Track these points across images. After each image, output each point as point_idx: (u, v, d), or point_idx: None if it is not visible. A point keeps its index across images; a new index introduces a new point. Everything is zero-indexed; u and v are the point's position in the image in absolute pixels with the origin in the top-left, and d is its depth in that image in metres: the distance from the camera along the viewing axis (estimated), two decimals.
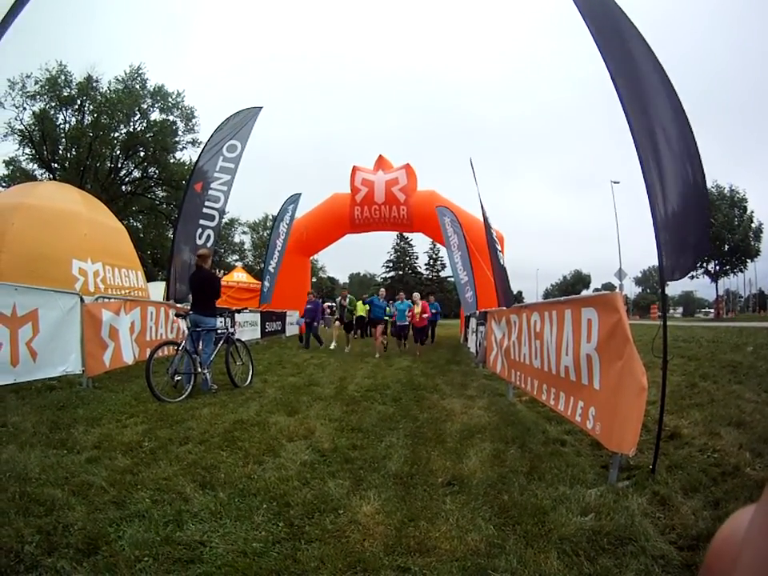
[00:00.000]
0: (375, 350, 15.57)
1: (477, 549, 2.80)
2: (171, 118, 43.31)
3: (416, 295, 16.60)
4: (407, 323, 16.43)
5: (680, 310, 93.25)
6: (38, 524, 3.05)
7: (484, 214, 10.95)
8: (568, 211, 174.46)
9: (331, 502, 3.49)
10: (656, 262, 4.18)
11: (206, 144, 12.95)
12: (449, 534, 2.97)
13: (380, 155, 23.44)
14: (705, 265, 55.32)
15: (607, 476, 3.97)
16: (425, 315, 16.08)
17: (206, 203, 12.36)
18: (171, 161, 44.60)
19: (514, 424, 5.86)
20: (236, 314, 11.97)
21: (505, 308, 9.04)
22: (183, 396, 7.37)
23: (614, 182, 42.49)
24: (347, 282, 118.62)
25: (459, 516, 3.24)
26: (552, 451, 4.73)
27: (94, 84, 39.62)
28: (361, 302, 18.30)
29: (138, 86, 41.49)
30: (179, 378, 7.70)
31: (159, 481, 3.85)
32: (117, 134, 41.96)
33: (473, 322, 15.01)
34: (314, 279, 39.68)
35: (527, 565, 2.63)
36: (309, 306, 18.13)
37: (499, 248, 10.99)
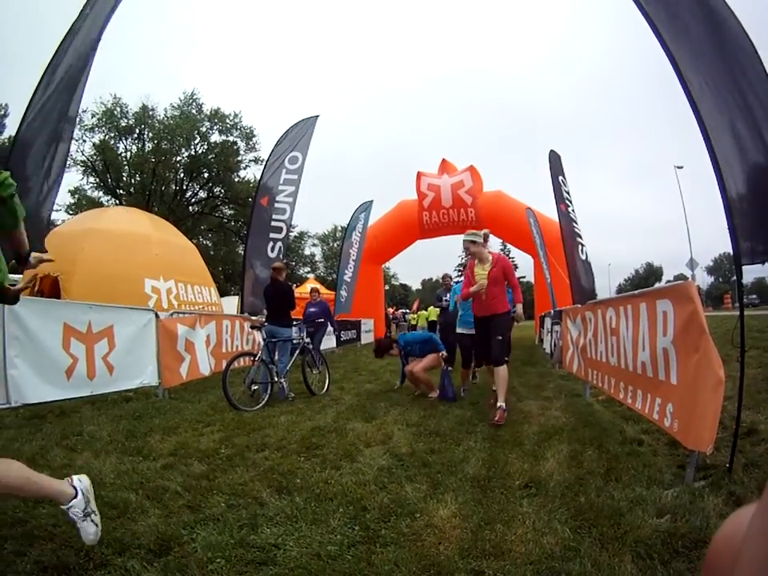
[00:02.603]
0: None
1: (552, 552, 2.75)
2: (231, 138, 44.43)
3: (480, 236, 7.03)
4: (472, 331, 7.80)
5: (754, 297, 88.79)
6: (110, 525, 3.16)
7: (564, 207, 10.75)
8: (634, 201, 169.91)
9: (408, 505, 3.49)
10: (728, 249, 4.01)
11: (267, 159, 13.24)
12: (524, 537, 2.93)
13: (443, 159, 23.42)
14: None
15: (684, 476, 3.83)
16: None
17: (274, 216, 12.62)
18: (236, 180, 45.81)
19: (591, 424, 5.74)
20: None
21: (579, 305, 8.87)
22: (260, 405, 7.54)
23: (678, 167, 41.01)
24: (420, 288, 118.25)
25: (536, 519, 3.18)
26: (629, 451, 4.60)
27: (150, 113, 41.28)
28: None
29: (194, 111, 42.79)
30: (256, 387, 7.89)
31: (235, 486, 3.95)
32: (179, 158, 43.49)
33: (548, 322, 14.77)
34: (387, 287, 39.95)
35: (601, 568, 2.56)
36: (311, 309, 13.21)
37: (582, 241, 10.80)
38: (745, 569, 0.53)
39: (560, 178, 11.19)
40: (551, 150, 11.75)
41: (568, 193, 11.33)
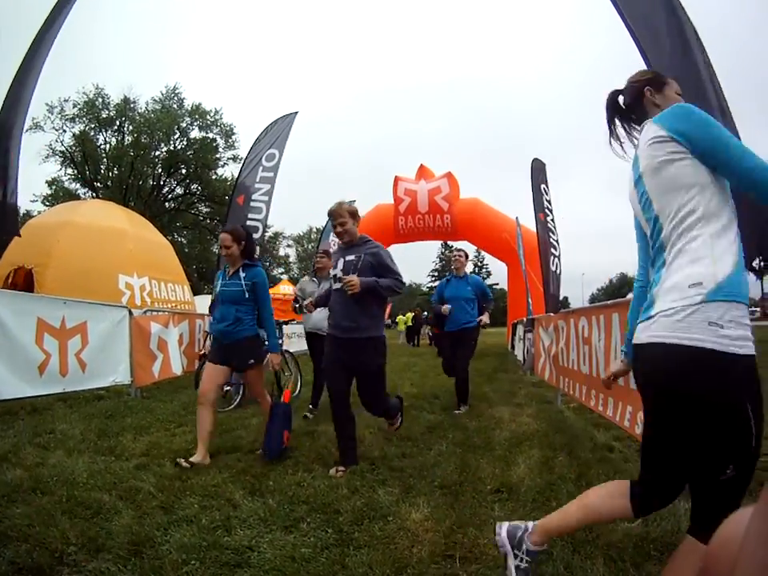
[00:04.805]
0: None
1: None
2: (211, 135, 44.28)
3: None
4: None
5: None
6: (83, 526, 3.15)
7: (543, 217, 10.82)
8: (610, 212, 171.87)
9: (380, 509, 3.51)
10: None
11: (246, 157, 13.11)
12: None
13: (421, 164, 23.42)
14: (751, 261, 52.20)
15: None
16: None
17: (249, 215, 12.48)
18: (213, 177, 45.57)
19: (562, 431, 5.81)
20: (284, 326, 12.05)
21: (552, 314, 8.97)
22: (232, 406, 7.51)
23: None
24: None
25: None
26: (600, 458, 4.68)
27: (132, 105, 41.12)
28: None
29: (175, 106, 42.66)
30: (228, 388, 7.84)
31: (208, 487, 3.94)
32: (158, 153, 43.37)
33: (520, 329, 14.91)
34: None
35: (574, 571, 2.61)
36: None
37: (556, 252, 10.89)
38: (744, 571, 0.55)
39: (542, 186, 11.26)
40: (535, 159, 11.76)
41: (549, 202, 11.41)
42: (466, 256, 7.90)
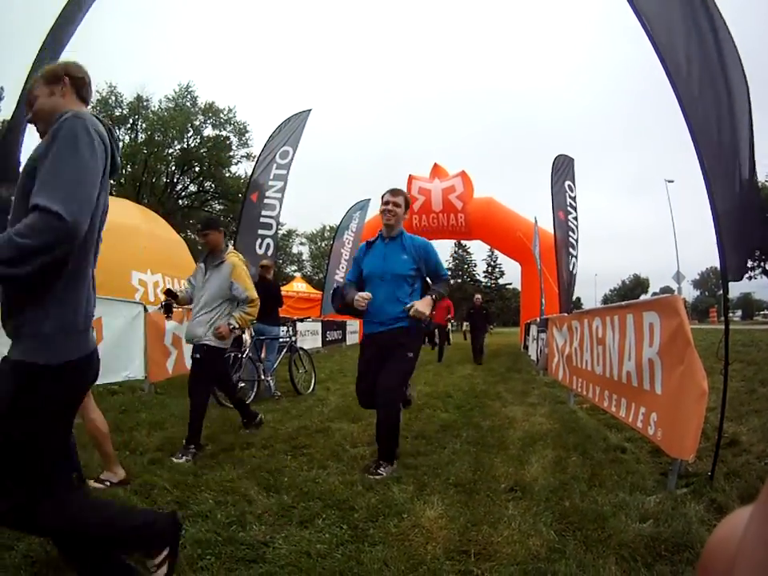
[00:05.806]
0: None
1: (537, 553, 2.80)
2: (224, 133, 44.31)
3: None
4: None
5: (738, 312, 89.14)
6: None
7: (563, 216, 10.72)
8: (624, 213, 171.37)
9: (395, 506, 3.52)
10: (714, 263, 4.09)
11: (260, 154, 13.04)
12: (510, 539, 2.97)
13: (435, 163, 23.35)
14: (763, 264, 51.70)
15: (666, 483, 3.91)
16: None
17: (263, 212, 12.44)
18: (227, 175, 45.53)
19: (575, 431, 5.80)
20: (298, 323, 12.07)
21: (566, 314, 8.94)
22: (247, 402, 7.51)
23: (669, 181, 41.05)
24: None
25: (521, 521, 3.23)
26: (612, 458, 4.67)
27: (145, 103, 41.22)
28: None
29: (188, 104, 42.73)
30: (243, 384, 7.86)
31: (223, 483, 3.97)
32: (171, 151, 43.31)
33: (533, 329, 14.86)
34: None
35: (586, 569, 2.62)
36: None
37: (574, 252, 10.80)
38: (743, 572, 0.55)
39: (567, 183, 11.10)
40: (560, 155, 11.47)
41: (573, 199, 11.25)
42: (407, 204, 4.76)
